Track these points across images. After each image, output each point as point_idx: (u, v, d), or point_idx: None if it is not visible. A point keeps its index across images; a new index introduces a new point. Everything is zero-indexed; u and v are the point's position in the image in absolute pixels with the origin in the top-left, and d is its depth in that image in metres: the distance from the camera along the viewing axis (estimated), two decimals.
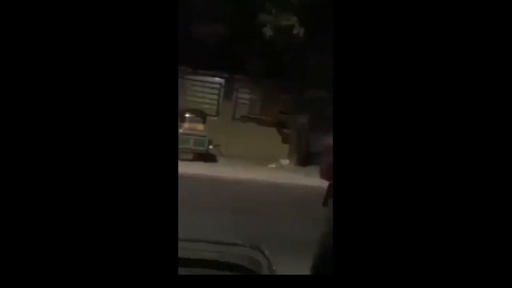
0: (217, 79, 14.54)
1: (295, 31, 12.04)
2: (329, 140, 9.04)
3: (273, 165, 12.72)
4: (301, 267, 3.17)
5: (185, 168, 9.79)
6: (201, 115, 12.77)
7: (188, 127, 12.06)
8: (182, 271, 1.85)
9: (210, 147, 12.26)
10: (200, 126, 12.24)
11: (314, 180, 9.59)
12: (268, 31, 11.97)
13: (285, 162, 13.11)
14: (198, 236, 2.24)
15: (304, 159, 12.42)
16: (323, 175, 8.30)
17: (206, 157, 12.04)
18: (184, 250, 2.00)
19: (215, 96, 14.63)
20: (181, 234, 1.88)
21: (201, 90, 14.55)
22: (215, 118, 13.98)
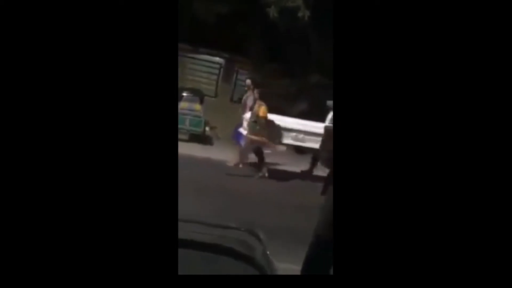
0: (217, 59, 14.30)
1: (300, 14, 11.75)
2: (328, 125, 8.77)
3: (269, 151, 12.45)
4: (293, 254, 3.12)
5: (180, 148, 9.54)
6: (198, 95, 12.46)
7: (185, 106, 11.74)
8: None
9: (207, 129, 11.96)
10: (197, 106, 11.91)
11: (311, 168, 9.46)
12: (272, 12, 11.65)
13: (282, 148, 12.83)
14: (189, 217, 2.18)
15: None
16: (324, 163, 8.03)
17: (202, 139, 11.74)
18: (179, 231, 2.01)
19: (214, 77, 14.38)
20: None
21: (200, 69, 14.30)
22: (213, 99, 13.70)
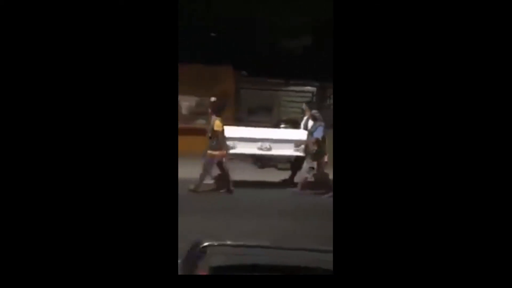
0: (308, 88, 14.65)
1: None
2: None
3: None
4: None
5: (278, 176, 9.93)
6: (295, 125, 12.91)
7: None
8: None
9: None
10: None
11: None
12: None
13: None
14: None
15: None
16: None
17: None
18: (257, 256, 2.03)
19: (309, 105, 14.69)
20: (259, 241, 1.95)
21: (294, 99, 14.68)
22: None
